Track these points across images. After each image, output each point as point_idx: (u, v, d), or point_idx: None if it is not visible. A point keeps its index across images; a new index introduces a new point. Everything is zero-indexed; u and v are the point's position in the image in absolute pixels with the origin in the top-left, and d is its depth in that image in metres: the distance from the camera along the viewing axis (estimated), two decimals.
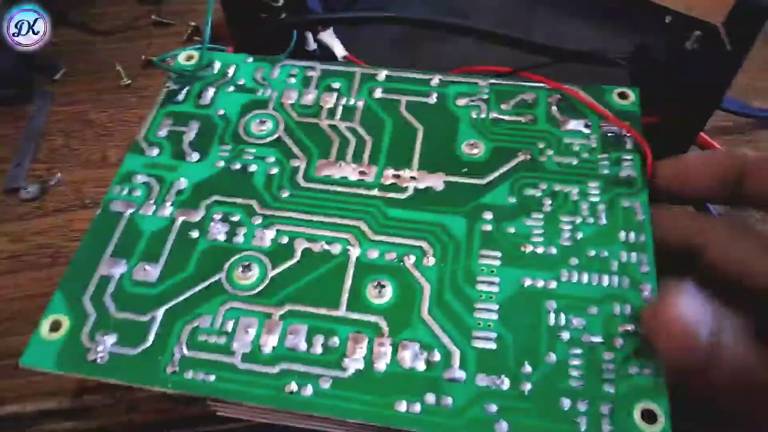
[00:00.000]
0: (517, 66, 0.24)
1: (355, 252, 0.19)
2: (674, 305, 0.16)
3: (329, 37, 0.27)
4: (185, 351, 0.18)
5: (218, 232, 0.20)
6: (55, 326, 0.18)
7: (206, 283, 0.19)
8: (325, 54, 0.27)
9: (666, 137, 0.22)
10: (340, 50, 0.27)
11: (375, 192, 0.21)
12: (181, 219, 0.20)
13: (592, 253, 0.19)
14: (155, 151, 0.22)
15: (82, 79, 0.33)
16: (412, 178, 0.21)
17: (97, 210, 0.23)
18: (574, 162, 0.21)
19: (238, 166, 0.22)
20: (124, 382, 0.17)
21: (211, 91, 0.24)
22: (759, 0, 0.19)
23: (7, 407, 0.23)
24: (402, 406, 0.17)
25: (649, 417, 0.16)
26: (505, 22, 0.28)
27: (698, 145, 0.26)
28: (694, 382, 0.17)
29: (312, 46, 0.27)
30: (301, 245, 0.20)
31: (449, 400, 0.17)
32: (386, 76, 0.24)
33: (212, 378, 0.17)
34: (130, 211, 0.21)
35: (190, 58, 0.24)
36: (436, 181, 0.21)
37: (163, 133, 0.23)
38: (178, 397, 0.22)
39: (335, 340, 0.18)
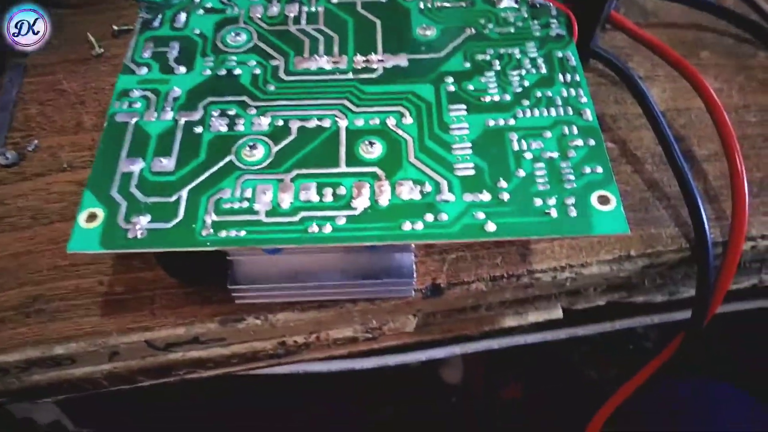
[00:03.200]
0: None
1: (343, 123, 0.23)
2: None
3: None
4: (214, 217, 0.20)
5: (220, 125, 0.23)
6: (91, 217, 0.20)
7: (220, 164, 0.22)
8: None
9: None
10: None
11: (350, 75, 0.24)
12: (183, 120, 0.23)
13: (539, 94, 0.23)
14: (144, 70, 0.24)
15: (54, 50, 0.33)
16: (380, 60, 0.24)
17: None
18: (512, 30, 0.25)
19: (223, 72, 0.24)
20: (165, 248, 0.20)
21: (183, 16, 0.26)
22: None
23: None
24: (407, 226, 0.20)
25: (603, 201, 0.20)
26: None
27: (612, 22, 0.31)
28: None
29: None
30: (295, 124, 0.23)
31: (444, 216, 0.20)
32: None
33: (243, 233, 0.20)
34: (135, 119, 0.23)
35: None
36: (401, 60, 0.24)
37: (147, 54, 0.25)
38: (160, 344, 0.23)
39: (342, 189, 0.21)
